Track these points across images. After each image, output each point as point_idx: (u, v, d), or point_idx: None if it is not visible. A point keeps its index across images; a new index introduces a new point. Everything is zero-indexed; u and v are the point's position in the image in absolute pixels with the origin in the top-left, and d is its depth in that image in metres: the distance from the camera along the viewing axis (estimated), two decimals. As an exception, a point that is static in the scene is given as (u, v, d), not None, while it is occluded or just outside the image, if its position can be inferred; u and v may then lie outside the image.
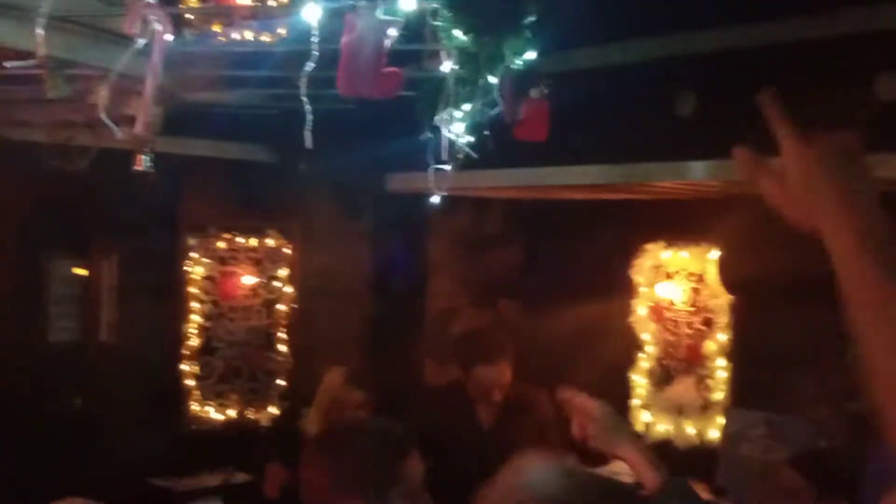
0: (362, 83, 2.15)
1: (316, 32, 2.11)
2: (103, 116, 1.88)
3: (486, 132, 3.17)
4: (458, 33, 2.80)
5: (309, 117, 2.22)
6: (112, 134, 2.39)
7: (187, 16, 4.03)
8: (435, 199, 3.51)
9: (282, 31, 4.33)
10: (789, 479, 3.58)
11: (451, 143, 3.12)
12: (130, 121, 2.42)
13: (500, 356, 4.31)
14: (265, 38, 4.31)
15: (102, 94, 1.93)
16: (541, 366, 5.39)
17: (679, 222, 5.54)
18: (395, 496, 2.44)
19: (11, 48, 2.50)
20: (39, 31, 1.81)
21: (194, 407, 5.54)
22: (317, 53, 2.20)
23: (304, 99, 2.15)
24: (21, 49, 2.47)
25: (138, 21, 1.77)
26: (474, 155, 3.15)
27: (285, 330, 5.80)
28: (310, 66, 2.17)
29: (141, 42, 1.84)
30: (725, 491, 4.90)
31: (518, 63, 3.05)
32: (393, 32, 2.24)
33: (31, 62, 1.89)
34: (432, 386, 5.63)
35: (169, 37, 1.79)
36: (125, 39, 1.99)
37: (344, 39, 2.15)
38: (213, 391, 5.61)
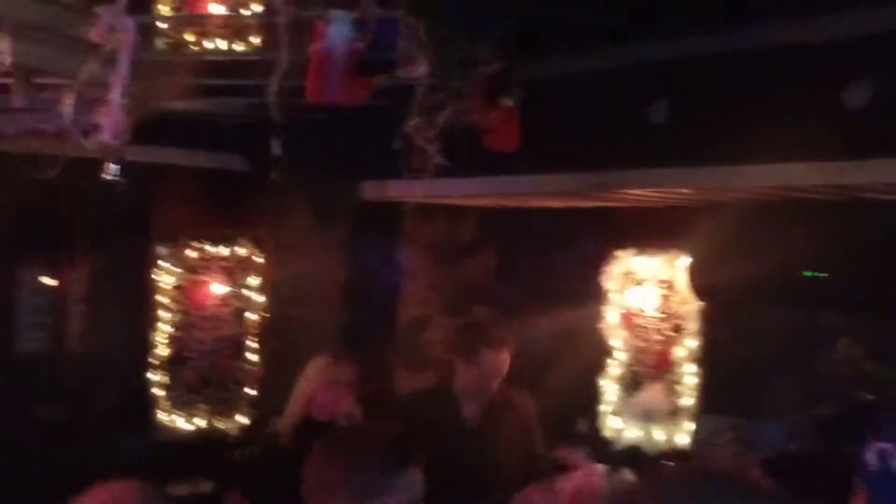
0: (331, 90, 2.15)
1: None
2: (70, 124, 1.86)
3: (460, 140, 3.18)
4: (430, 41, 2.81)
5: (277, 124, 2.21)
6: (91, 145, 2.38)
7: (159, 25, 4.03)
8: (409, 207, 3.52)
9: (254, 40, 4.34)
10: (759, 481, 3.59)
11: (424, 151, 3.12)
12: (100, 130, 2.40)
13: (504, 344, 4.36)
14: (238, 47, 4.31)
15: (69, 103, 1.92)
16: (513, 372, 5.40)
17: (649, 229, 5.56)
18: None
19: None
20: (3, 39, 1.79)
21: (163, 416, 5.50)
22: (287, 62, 2.20)
23: (272, 106, 2.14)
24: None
25: (105, 29, 1.75)
26: (446, 162, 3.15)
27: (255, 339, 5.77)
28: (278, 74, 2.16)
29: (107, 50, 1.82)
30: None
31: (490, 71, 3.06)
32: (362, 40, 2.24)
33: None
34: (418, 388, 5.62)
35: (135, 45, 1.78)
36: (95, 49, 1.98)
37: (313, 47, 2.15)
38: (183, 401, 5.57)
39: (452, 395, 4.44)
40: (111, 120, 1.82)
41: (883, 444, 2.34)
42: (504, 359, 4.34)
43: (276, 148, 2.34)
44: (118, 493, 2.32)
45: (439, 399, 4.48)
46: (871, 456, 2.34)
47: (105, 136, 1.84)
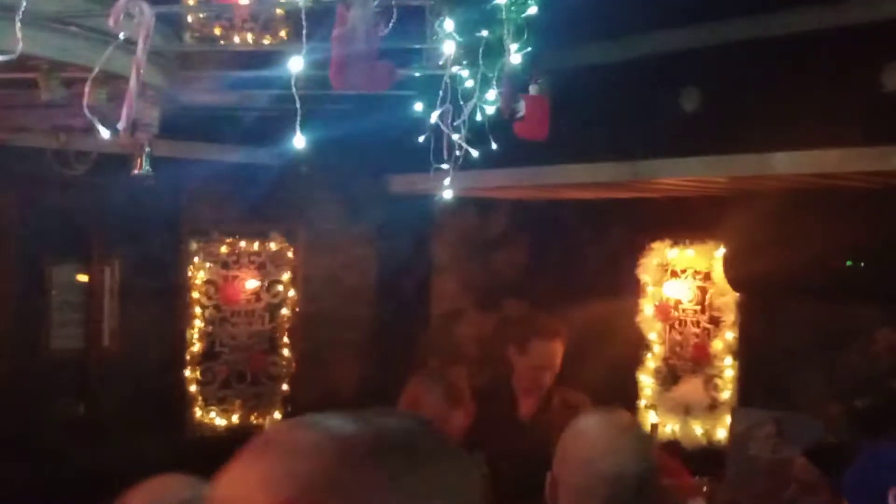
0: (354, 77, 2.12)
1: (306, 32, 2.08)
2: (88, 115, 1.84)
3: (488, 130, 3.14)
4: (455, 28, 2.77)
5: (301, 116, 2.17)
6: (111, 137, 2.35)
7: (188, 19, 4.02)
8: (439, 199, 3.48)
9: (283, 33, 4.33)
10: (806, 471, 3.51)
11: (452, 143, 3.08)
12: (130, 125, 2.38)
13: (556, 335, 4.32)
14: (266, 40, 4.30)
15: (88, 93, 1.90)
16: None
17: (685, 220, 5.50)
18: None
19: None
20: (18, 29, 1.78)
21: (197, 413, 5.50)
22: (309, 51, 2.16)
23: (296, 97, 2.11)
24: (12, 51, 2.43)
25: (122, 15, 1.73)
26: (474, 153, 3.11)
27: (288, 334, 5.76)
28: (300, 65, 2.13)
29: (123, 36, 1.80)
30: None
31: (517, 60, 3.01)
32: (385, 26, 2.20)
33: (8, 57, 1.85)
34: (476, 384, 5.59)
35: (149, 31, 1.75)
36: (123, 42, 1.96)
37: (335, 32, 2.12)
38: (216, 396, 5.57)
39: (509, 392, 4.43)
40: (127, 106, 1.79)
41: None
42: (556, 350, 4.31)
43: (297, 141, 2.30)
44: (170, 486, 2.29)
45: (495, 396, 4.46)
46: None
47: (121, 124, 1.82)
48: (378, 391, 5.62)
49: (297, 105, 2.21)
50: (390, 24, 2.28)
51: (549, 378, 4.34)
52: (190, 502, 2.12)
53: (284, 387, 5.76)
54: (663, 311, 5.72)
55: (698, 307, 5.60)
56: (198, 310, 5.50)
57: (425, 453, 1.00)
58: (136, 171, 3.49)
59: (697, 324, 5.60)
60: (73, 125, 3.62)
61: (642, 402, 5.74)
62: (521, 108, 3.19)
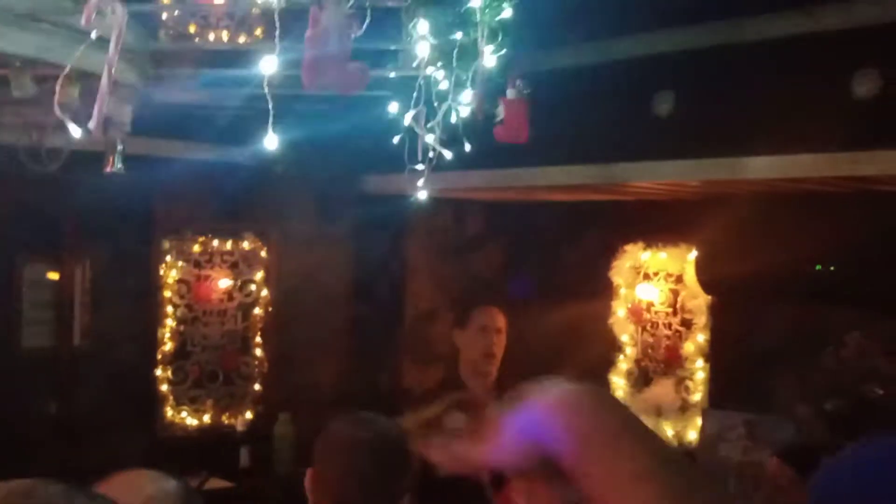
0: (326, 77, 2.11)
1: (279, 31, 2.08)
2: (59, 113, 1.83)
3: (462, 132, 3.14)
4: (430, 31, 2.77)
5: (273, 116, 2.17)
6: (83, 135, 2.34)
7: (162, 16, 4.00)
8: (414, 200, 3.48)
9: (258, 31, 4.32)
10: (779, 472, 3.52)
11: (426, 144, 3.09)
12: (102, 123, 2.36)
13: (494, 304, 4.34)
14: (241, 38, 4.29)
15: (60, 91, 1.89)
16: (520, 368, 5.36)
17: (658, 223, 5.52)
18: None
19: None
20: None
21: (169, 412, 5.47)
22: (283, 50, 2.16)
23: (269, 97, 2.10)
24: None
25: (95, 13, 1.72)
26: (448, 154, 3.12)
27: (261, 334, 5.74)
28: (273, 65, 2.12)
29: (95, 34, 1.79)
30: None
31: (492, 63, 3.01)
32: (357, 27, 2.20)
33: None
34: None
35: (125, 27, 1.74)
36: (96, 40, 1.95)
37: (308, 33, 2.12)
38: (188, 396, 5.54)
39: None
40: (98, 105, 1.78)
41: None
42: (497, 315, 4.28)
43: (269, 142, 2.30)
44: (136, 481, 2.28)
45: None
46: None
47: (92, 123, 1.81)
48: (351, 391, 5.62)
49: (270, 105, 2.21)
50: (364, 26, 2.28)
51: (495, 344, 4.26)
52: (156, 498, 2.12)
53: (256, 387, 5.74)
54: (636, 314, 5.75)
55: (670, 309, 5.62)
56: (170, 309, 5.47)
57: None
58: (108, 169, 3.47)
59: (669, 326, 5.62)
60: (46, 122, 3.59)
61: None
62: (500, 112, 3.20)
